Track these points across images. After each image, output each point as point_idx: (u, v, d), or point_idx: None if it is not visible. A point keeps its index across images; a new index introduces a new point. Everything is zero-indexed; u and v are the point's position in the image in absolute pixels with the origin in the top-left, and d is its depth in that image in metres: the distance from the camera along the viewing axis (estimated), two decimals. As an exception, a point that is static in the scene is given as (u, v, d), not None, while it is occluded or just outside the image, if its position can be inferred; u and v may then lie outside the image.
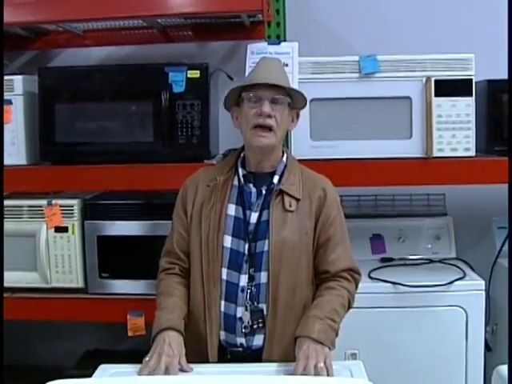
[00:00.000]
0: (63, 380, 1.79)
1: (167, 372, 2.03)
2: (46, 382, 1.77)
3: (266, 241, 2.18)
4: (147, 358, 2.08)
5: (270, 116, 2.15)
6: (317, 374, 1.98)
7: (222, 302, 2.20)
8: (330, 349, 2.07)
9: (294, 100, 2.25)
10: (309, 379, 1.94)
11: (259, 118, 2.16)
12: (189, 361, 2.15)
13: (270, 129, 2.17)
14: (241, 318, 2.18)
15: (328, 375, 1.99)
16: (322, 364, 1.99)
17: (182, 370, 2.07)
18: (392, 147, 2.92)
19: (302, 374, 1.98)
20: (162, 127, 2.96)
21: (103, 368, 2.10)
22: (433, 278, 3.00)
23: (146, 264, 3.02)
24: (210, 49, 3.64)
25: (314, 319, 2.10)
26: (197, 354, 2.19)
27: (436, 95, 2.88)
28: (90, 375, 2.03)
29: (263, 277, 2.18)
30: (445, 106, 2.90)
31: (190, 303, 2.27)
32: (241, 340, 2.20)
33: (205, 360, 2.18)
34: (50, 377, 1.80)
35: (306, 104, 2.32)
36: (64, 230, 3.03)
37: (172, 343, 2.09)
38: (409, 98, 2.92)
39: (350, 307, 2.25)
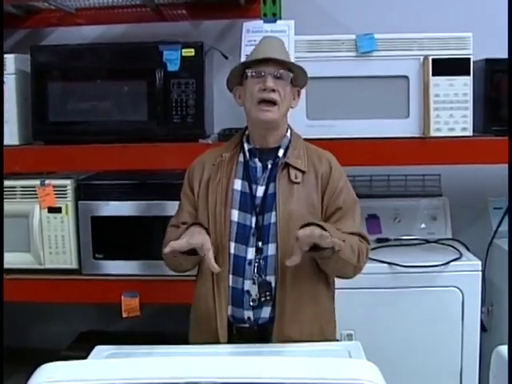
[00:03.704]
0: (56, 362, 1.76)
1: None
2: (39, 364, 1.75)
3: (273, 213, 2.19)
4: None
5: (273, 90, 2.18)
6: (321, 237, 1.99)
7: (230, 277, 2.20)
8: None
9: (296, 77, 2.26)
10: (310, 359, 1.89)
11: (263, 92, 2.18)
12: (198, 339, 2.17)
13: (274, 103, 2.19)
14: (248, 292, 2.19)
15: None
16: (326, 233, 2.00)
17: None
18: (389, 127, 2.90)
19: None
20: (156, 106, 2.93)
21: (98, 349, 2.08)
22: (429, 258, 3.00)
23: (141, 244, 3.02)
24: (205, 28, 3.59)
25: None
26: (206, 331, 2.20)
27: (433, 74, 2.86)
28: (84, 357, 2.00)
29: (271, 249, 2.19)
30: (442, 85, 2.87)
31: (198, 280, 2.28)
32: (248, 314, 2.20)
33: (214, 337, 2.18)
34: (43, 359, 1.77)
35: (307, 82, 2.32)
36: (57, 210, 3.01)
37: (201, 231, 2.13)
38: (406, 77, 2.91)
39: (359, 256, 2.19)
